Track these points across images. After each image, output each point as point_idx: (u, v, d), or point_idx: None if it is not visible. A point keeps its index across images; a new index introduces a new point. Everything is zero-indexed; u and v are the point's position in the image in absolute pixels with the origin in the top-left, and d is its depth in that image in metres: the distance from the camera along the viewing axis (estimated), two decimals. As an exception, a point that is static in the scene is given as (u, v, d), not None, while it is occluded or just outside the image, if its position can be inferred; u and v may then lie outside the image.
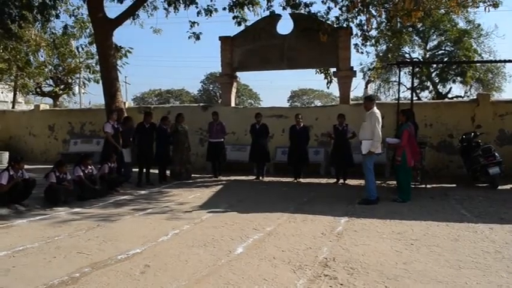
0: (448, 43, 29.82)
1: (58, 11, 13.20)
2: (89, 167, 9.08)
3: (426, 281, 4.20)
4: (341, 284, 4.16)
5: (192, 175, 12.01)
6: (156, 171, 11.30)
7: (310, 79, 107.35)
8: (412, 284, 4.15)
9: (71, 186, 8.42)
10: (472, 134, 10.78)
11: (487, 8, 11.20)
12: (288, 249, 5.29)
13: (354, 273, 4.46)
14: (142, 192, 9.89)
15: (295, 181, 11.48)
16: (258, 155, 11.92)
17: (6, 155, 15.48)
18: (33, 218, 7.11)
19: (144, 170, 10.82)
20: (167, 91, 63.17)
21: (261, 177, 11.95)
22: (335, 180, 11.31)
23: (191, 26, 14.04)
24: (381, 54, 27.66)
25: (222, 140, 12.25)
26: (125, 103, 14.01)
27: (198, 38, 14.18)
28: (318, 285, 4.14)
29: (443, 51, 30.59)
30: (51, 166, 8.85)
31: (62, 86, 24.18)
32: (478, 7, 11.99)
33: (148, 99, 59.77)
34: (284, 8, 13.45)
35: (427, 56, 30.50)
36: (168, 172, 11.64)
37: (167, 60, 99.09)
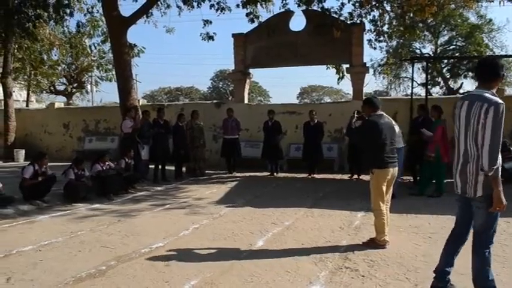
0: (459, 38, 29.59)
1: (72, 9, 13.35)
2: (107, 163, 9.21)
3: (447, 272, 4.25)
4: (362, 276, 4.23)
5: (207, 171, 12.11)
6: (172, 167, 11.41)
7: (319, 75, 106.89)
8: (433, 275, 4.20)
9: (89, 182, 8.56)
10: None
11: (501, 2, 11.11)
12: (307, 243, 5.38)
13: (375, 265, 4.53)
14: (159, 188, 9.99)
15: (310, 177, 11.52)
16: (270, 152, 11.97)
17: (22, 152, 15.70)
18: (54, 214, 7.25)
19: (160, 166, 10.94)
20: (177, 89, 63.21)
21: (275, 174, 12.02)
22: (349, 175, 11.33)
23: (204, 24, 14.06)
24: (391, 50, 27.52)
25: (237, 136, 12.35)
26: (138, 100, 14.14)
27: (211, 38, 14.18)
28: (340, 277, 4.22)
29: (454, 47, 30.36)
30: (67, 163, 9.01)
31: (75, 85, 24.44)
32: (492, 1, 11.92)
33: (158, 97, 59.87)
34: (299, 5, 13.47)
35: (438, 51, 30.30)
36: (183, 169, 11.76)
37: (176, 58, 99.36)
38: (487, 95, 3.35)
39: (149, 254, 4.97)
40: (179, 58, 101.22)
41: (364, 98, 13.42)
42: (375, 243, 5.15)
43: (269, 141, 11.90)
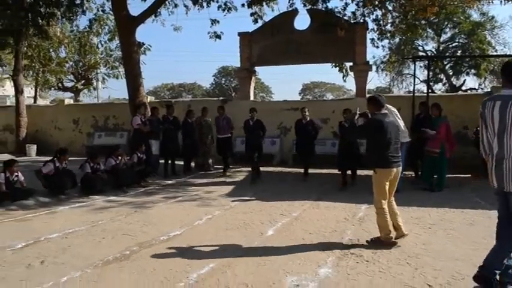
0: (462, 35, 29.79)
1: (85, 8, 13.72)
2: (119, 157, 9.58)
3: (445, 258, 4.64)
4: (367, 261, 4.60)
5: (215, 166, 12.46)
6: (181, 162, 11.77)
7: (321, 72, 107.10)
8: (432, 261, 4.58)
9: (105, 176, 8.94)
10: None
11: (503, 2, 11.34)
12: (315, 232, 5.75)
13: (378, 252, 4.90)
14: (170, 182, 10.37)
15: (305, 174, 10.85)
16: (252, 150, 10.82)
17: (34, 148, 16.10)
18: (73, 205, 7.66)
19: (170, 161, 11.31)
20: (179, 85, 63.56)
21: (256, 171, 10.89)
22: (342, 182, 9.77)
23: (212, 23, 14.36)
24: (393, 48, 27.77)
25: (229, 135, 11.99)
26: (147, 97, 14.49)
27: (218, 37, 14.45)
28: (346, 261, 4.59)
29: (456, 44, 30.58)
30: (77, 158, 9.38)
31: (83, 81, 24.86)
32: (492, 2, 12.22)
33: (160, 93, 60.14)
34: (304, 5, 13.80)
35: (441, 48, 30.54)
36: (192, 164, 12.11)
37: (179, 54, 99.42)
38: None
39: (168, 241, 5.36)
40: (182, 55, 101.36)
41: (367, 95, 13.77)
42: (380, 242, 5.14)
43: (251, 140, 10.82)
